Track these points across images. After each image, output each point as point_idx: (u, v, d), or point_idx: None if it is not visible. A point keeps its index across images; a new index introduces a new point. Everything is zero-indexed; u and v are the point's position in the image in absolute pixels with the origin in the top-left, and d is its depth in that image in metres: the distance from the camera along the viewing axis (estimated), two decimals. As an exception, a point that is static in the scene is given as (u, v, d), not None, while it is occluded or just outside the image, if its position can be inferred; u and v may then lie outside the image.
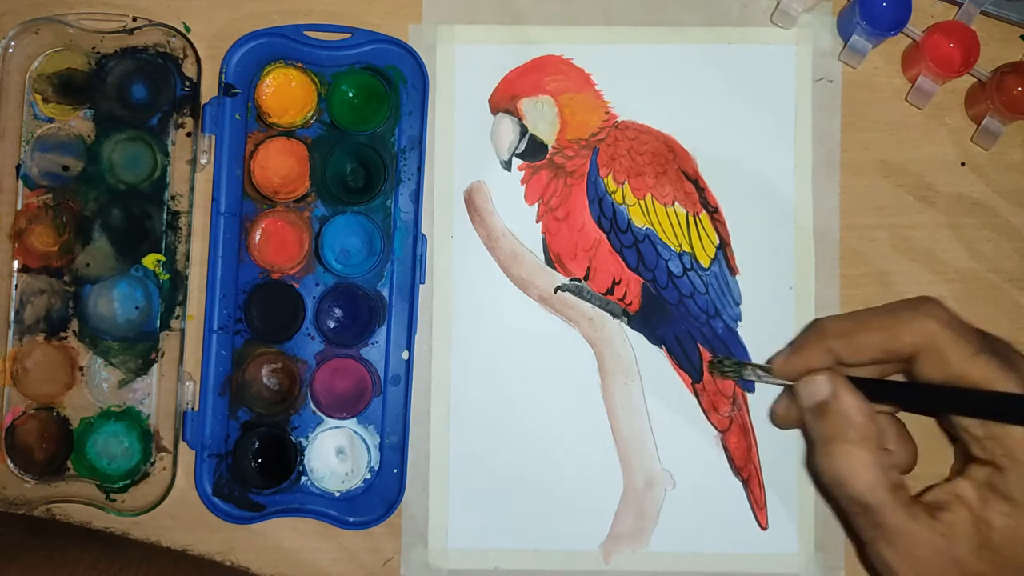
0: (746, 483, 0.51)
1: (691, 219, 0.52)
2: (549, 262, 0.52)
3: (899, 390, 0.44)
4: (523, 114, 0.52)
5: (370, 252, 0.51)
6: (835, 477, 0.42)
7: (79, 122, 0.52)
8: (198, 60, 0.51)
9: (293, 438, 0.51)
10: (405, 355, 0.51)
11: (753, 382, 0.51)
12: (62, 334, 0.51)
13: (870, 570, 0.49)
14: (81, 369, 0.51)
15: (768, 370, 0.47)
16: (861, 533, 0.43)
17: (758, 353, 0.51)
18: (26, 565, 0.43)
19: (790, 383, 0.46)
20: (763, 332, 0.51)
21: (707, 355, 0.51)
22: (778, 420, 0.49)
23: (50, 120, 0.52)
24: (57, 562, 0.43)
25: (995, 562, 0.40)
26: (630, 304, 0.52)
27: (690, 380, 0.51)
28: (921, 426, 0.48)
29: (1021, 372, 0.41)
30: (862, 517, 0.42)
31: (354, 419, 0.51)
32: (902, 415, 0.48)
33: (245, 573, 0.48)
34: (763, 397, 0.51)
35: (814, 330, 0.45)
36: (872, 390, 0.44)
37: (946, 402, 0.42)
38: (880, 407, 0.45)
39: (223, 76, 0.51)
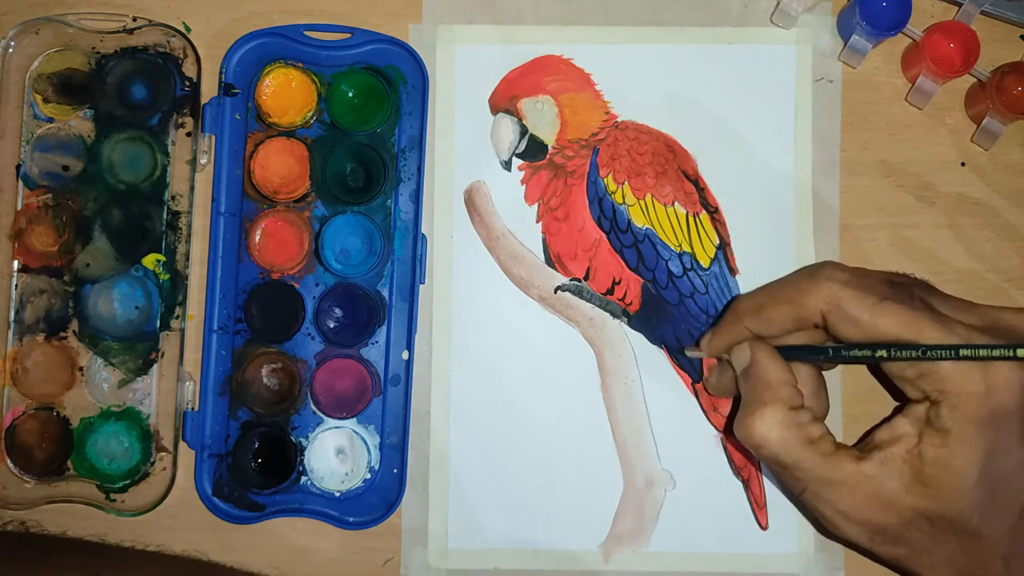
0: (746, 483, 0.51)
1: (691, 219, 0.52)
2: (549, 262, 0.52)
3: (821, 352, 0.45)
4: (523, 114, 0.52)
5: (370, 252, 0.51)
6: (750, 440, 0.43)
7: (79, 122, 0.52)
8: (198, 60, 0.51)
9: (293, 438, 0.51)
10: (405, 355, 0.51)
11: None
12: (62, 334, 0.51)
13: (812, 521, 0.50)
14: (81, 369, 0.51)
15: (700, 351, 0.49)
16: (789, 487, 0.44)
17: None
18: (11, 572, 0.43)
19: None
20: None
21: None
22: (711, 388, 0.50)
23: (50, 120, 0.52)
24: (40, 570, 0.43)
25: (928, 495, 0.40)
26: (630, 304, 0.52)
27: (690, 380, 0.51)
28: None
29: (929, 305, 0.42)
30: (783, 474, 0.43)
31: (354, 419, 0.51)
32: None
33: (231, 570, 0.49)
34: (763, 397, 0.51)
35: (730, 309, 0.47)
36: (796, 354, 0.45)
37: (865, 356, 0.42)
38: (807, 366, 0.46)
39: (223, 76, 0.51)
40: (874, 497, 0.41)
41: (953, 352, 0.40)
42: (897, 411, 0.43)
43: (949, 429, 0.40)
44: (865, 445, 0.43)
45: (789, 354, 0.45)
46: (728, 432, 0.51)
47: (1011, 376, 0.40)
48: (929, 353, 0.40)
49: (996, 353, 0.39)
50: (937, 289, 0.45)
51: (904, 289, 0.43)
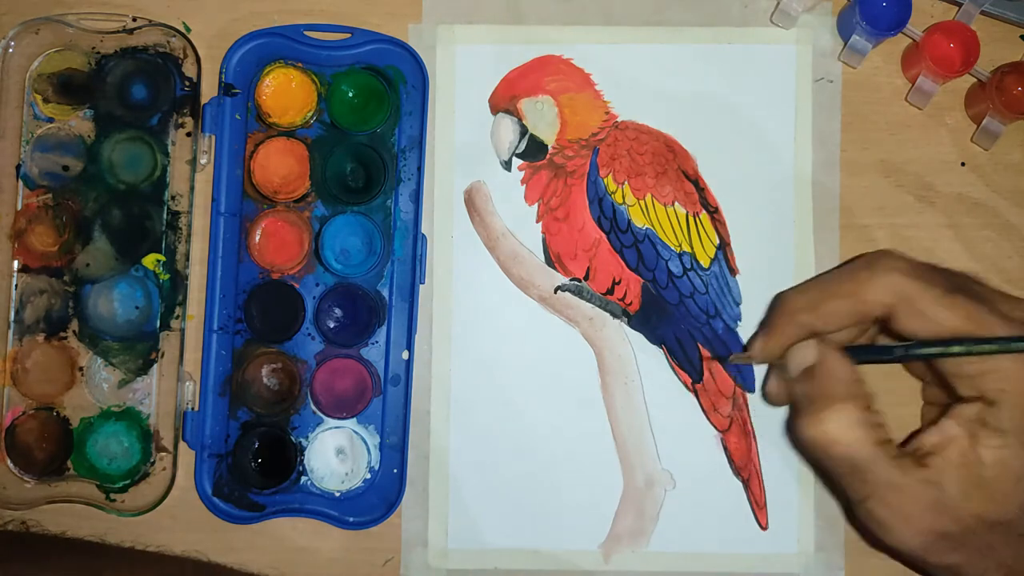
0: (746, 483, 0.51)
1: (691, 219, 0.52)
2: (549, 262, 0.52)
3: (888, 351, 0.43)
4: (523, 114, 0.52)
5: (370, 252, 0.51)
6: (822, 438, 0.41)
7: (79, 122, 0.52)
8: (198, 60, 0.51)
9: (293, 438, 0.51)
10: (405, 355, 0.51)
11: (749, 374, 0.51)
12: (62, 334, 0.51)
13: (861, 530, 0.49)
14: (81, 369, 0.51)
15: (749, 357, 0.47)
16: (851, 493, 0.42)
17: (758, 353, 0.51)
18: (11, 572, 0.43)
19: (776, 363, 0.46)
20: (763, 332, 0.51)
21: (707, 355, 0.51)
22: (771, 399, 0.49)
23: (50, 120, 0.52)
24: (40, 569, 0.43)
25: (987, 499, 0.40)
26: (630, 304, 0.52)
27: (690, 380, 0.51)
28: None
29: (988, 301, 0.41)
30: (850, 476, 0.41)
31: (354, 419, 0.51)
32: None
33: (231, 570, 0.49)
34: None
35: (779, 308, 0.45)
36: (856, 354, 0.43)
37: (937, 353, 0.41)
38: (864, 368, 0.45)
39: (223, 76, 0.51)
40: (936, 503, 0.40)
41: None
42: (940, 413, 0.42)
43: (1007, 430, 0.39)
44: (917, 449, 0.42)
45: (855, 353, 0.43)
46: (791, 435, 0.50)
47: None
48: (1013, 345, 0.39)
49: None
50: (980, 281, 0.43)
51: (960, 281, 0.42)
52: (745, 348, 0.49)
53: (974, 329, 0.40)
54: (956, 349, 0.40)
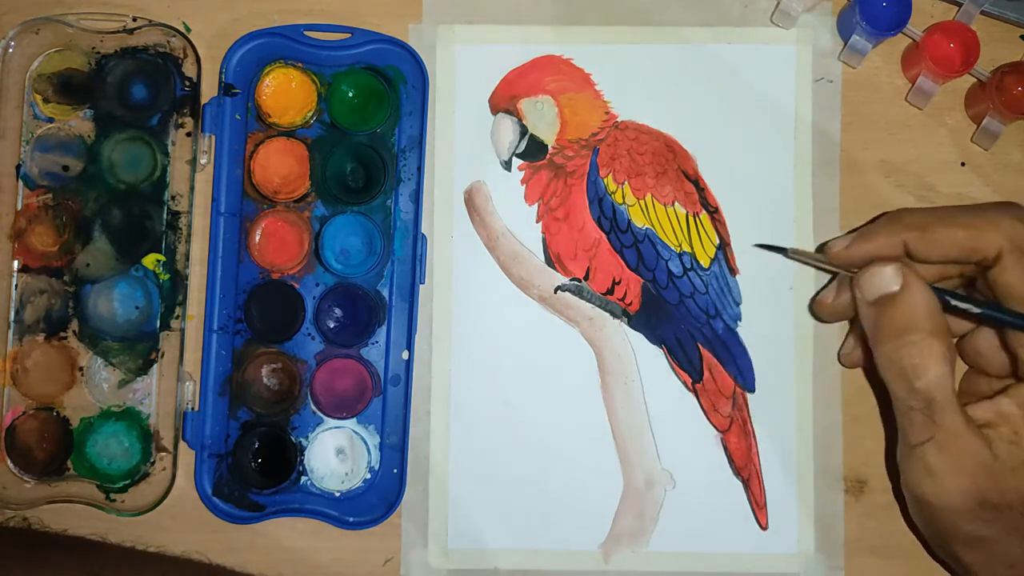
0: (746, 483, 0.51)
1: (691, 219, 0.52)
2: (549, 262, 0.52)
3: (973, 303, 0.42)
4: (523, 114, 0.52)
5: (370, 252, 0.51)
6: (904, 368, 0.40)
7: (79, 122, 0.52)
8: (198, 60, 0.51)
9: (293, 438, 0.51)
10: (405, 355, 0.51)
11: (749, 374, 0.51)
12: (62, 334, 0.51)
13: (894, 475, 0.48)
14: (81, 369, 0.51)
15: (820, 255, 0.45)
16: (914, 431, 0.41)
17: (758, 353, 0.51)
18: (9, 571, 0.43)
19: (845, 271, 0.44)
20: (763, 332, 0.51)
21: (707, 354, 0.51)
22: (824, 310, 0.47)
23: (50, 120, 0.52)
24: (39, 567, 0.43)
25: None
26: (630, 304, 0.52)
27: (690, 380, 0.51)
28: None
29: None
30: (922, 413, 0.40)
31: (354, 419, 0.51)
32: None
33: (231, 571, 0.49)
34: (763, 397, 0.51)
35: (888, 219, 0.43)
36: (946, 296, 0.42)
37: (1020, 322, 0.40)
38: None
39: (223, 76, 0.51)
40: (988, 467, 0.40)
41: None
42: (977, 389, 0.42)
43: None
44: (972, 418, 0.41)
45: (937, 294, 0.42)
46: (847, 360, 0.49)
47: None
48: None
49: None
50: None
51: None
52: (819, 248, 0.46)
53: None
54: None
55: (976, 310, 0.42)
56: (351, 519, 0.50)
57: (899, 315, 0.41)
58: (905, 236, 0.43)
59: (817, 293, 0.50)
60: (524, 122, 0.52)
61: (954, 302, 0.42)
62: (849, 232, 0.46)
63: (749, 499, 0.51)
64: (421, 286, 0.51)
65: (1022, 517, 0.40)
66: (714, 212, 0.52)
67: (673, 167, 0.52)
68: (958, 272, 0.44)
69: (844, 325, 0.51)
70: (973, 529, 0.41)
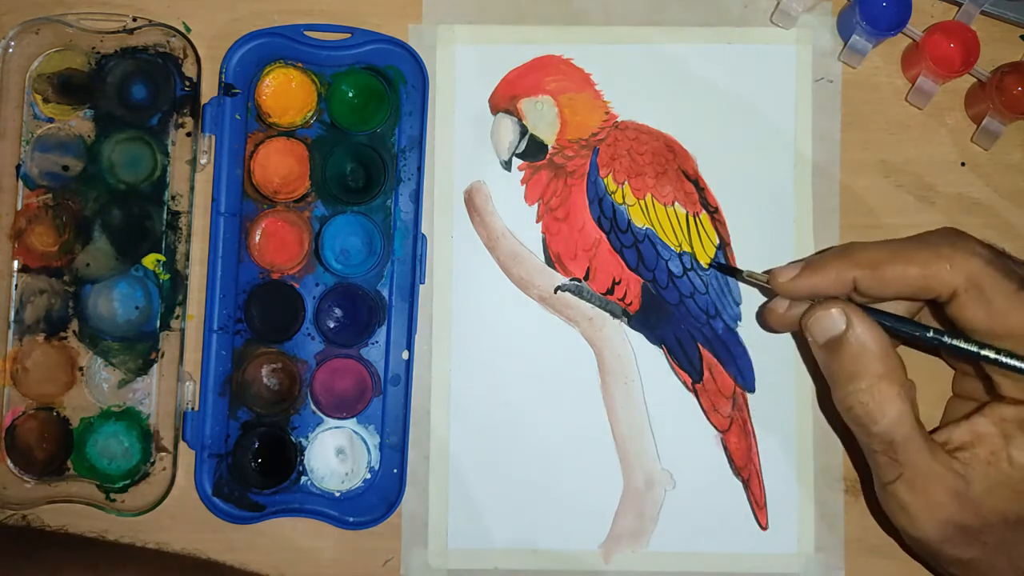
0: (746, 483, 0.51)
1: (691, 219, 0.52)
2: (549, 262, 0.52)
3: (923, 331, 0.41)
4: (523, 114, 0.52)
5: (370, 252, 0.51)
6: (860, 414, 0.40)
7: (79, 122, 0.52)
8: (198, 60, 0.51)
9: (293, 438, 0.51)
10: (405, 355, 0.51)
11: (749, 374, 0.51)
12: (62, 334, 0.51)
13: (876, 513, 0.49)
14: (81, 369, 0.51)
15: (763, 280, 0.45)
16: (881, 472, 0.41)
17: (758, 353, 0.51)
18: (10, 570, 0.43)
19: (790, 297, 0.44)
20: (763, 332, 0.51)
21: (707, 354, 0.51)
22: (774, 319, 0.46)
23: (50, 120, 0.52)
24: (38, 563, 0.43)
25: (1012, 498, 0.39)
26: (630, 304, 0.52)
27: (690, 380, 0.51)
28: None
29: None
30: (884, 455, 0.40)
31: (354, 419, 0.51)
32: None
33: (231, 568, 0.49)
34: (763, 397, 0.51)
35: (838, 254, 0.42)
36: (886, 322, 0.41)
37: (972, 353, 0.40)
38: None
39: (223, 76, 0.51)
40: (961, 495, 0.39)
41: None
42: (973, 409, 0.41)
43: None
44: (945, 443, 0.41)
45: (883, 320, 0.41)
46: (822, 404, 0.49)
47: None
48: None
49: None
50: None
51: None
52: (767, 272, 0.46)
53: None
54: (988, 355, 0.39)
55: (919, 337, 0.42)
56: (351, 519, 0.50)
57: (848, 360, 0.40)
58: (855, 274, 0.42)
59: (768, 301, 0.49)
60: (524, 122, 0.52)
61: (894, 329, 0.42)
62: (797, 261, 0.45)
63: (749, 499, 0.51)
64: (421, 286, 0.51)
65: (1006, 534, 0.40)
66: (714, 212, 0.52)
67: (673, 167, 0.52)
68: (915, 308, 0.43)
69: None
70: (957, 553, 0.41)
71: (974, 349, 0.40)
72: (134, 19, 0.51)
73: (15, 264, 0.51)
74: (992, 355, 0.40)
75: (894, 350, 0.41)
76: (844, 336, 0.41)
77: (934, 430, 0.43)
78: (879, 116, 0.52)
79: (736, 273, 0.49)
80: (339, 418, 0.51)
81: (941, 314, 0.43)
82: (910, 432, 0.40)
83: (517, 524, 0.51)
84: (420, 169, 0.51)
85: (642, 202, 0.52)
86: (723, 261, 0.51)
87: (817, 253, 0.46)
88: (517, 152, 0.52)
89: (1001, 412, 0.40)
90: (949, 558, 0.41)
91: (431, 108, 0.52)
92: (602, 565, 0.51)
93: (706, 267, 0.50)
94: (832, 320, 0.41)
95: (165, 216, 0.51)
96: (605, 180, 0.52)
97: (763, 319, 0.48)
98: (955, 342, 0.40)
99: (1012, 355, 0.39)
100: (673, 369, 0.51)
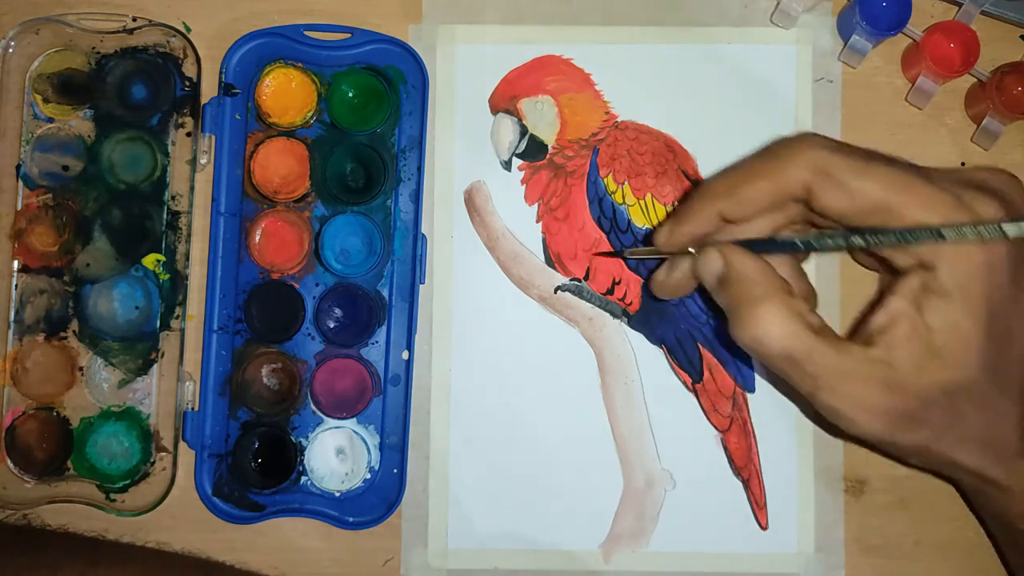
0: (746, 483, 0.51)
1: (691, 219, 0.52)
2: (549, 262, 0.52)
3: (792, 243, 0.41)
4: (523, 114, 0.52)
5: (370, 252, 0.51)
6: (753, 341, 0.39)
7: (79, 122, 0.52)
8: (198, 60, 0.51)
9: (293, 438, 0.51)
10: (405, 355, 0.51)
11: (749, 374, 0.51)
12: (62, 334, 0.51)
13: (821, 423, 0.48)
14: (81, 369, 0.51)
15: (652, 247, 0.45)
16: (801, 390, 0.40)
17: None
18: (11, 569, 0.43)
19: (679, 254, 0.44)
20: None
21: (707, 354, 0.51)
22: (661, 289, 0.46)
23: (50, 120, 0.52)
24: (38, 562, 0.43)
25: (943, 366, 0.38)
26: (630, 304, 0.52)
27: (690, 380, 0.51)
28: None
29: (914, 168, 0.39)
30: (794, 372, 0.39)
31: (354, 419, 0.51)
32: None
33: (230, 568, 0.49)
34: (763, 397, 0.51)
35: (698, 192, 0.42)
36: (766, 247, 0.42)
37: (840, 245, 0.39)
38: (779, 257, 0.43)
39: (223, 76, 0.51)
40: (890, 382, 0.38)
41: (935, 233, 0.37)
42: (884, 294, 0.40)
43: (951, 291, 0.37)
44: (866, 332, 0.40)
45: (758, 248, 0.41)
46: (726, 343, 0.49)
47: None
48: (910, 236, 0.37)
49: (984, 230, 0.37)
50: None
51: (884, 155, 0.40)
52: (647, 240, 0.45)
53: (899, 195, 0.38)
54: (856, 240, 0.38)
55: (793, 248, 0.42)
56: (351, 519, 0.50)
57: (733, 292, 0.40)
58: (717, 206, 0.41)
59: (651, 273, 0.47)
60: (524, 122, 0.52)
61: (768, 250, 0.41)
62: (668, 216, 0.44)
63: (749, 499, 0.51)
64: (421, 286, 0.51)
65: (949, 406, 0.39)
66: (714, 212, 0.52)
67: (673, 167, 0.52)
68: (794, 218, 0.43)
69: (840, 317, 0.51)
70: (910, 440, 0.39)
71: (842, 242, 0.39)
72: (134, 19, 0.51)
73: (15, 264, 0.51)
74: (859, 241, 0.39)
75: (771, 271, 0.40)
76: (725, 273, 0.41)
77: (855, 326, 0.42)
78: (879, 116, 0.52)
79: (620, 255, 0.49)
80: (339, 418, 0.51)
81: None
82: (807, 342, 0.39)
83: (517, 524, 0.51)
84: (420, 169, 0.51)
85: (642, 202, 0.52)
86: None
87: (679, 200, 0.46)
88: (517, 152, 0.52)
89: (906, 284, 0.39)
90: (905, 448, 0.40)
91: (431, 108, 0.52)
92: (602, 565, 0.51)
93: (593, 255, 0.51)
94: (710, 260, 0.41)
95: (165, 216, 0.51)
96: (605, 180, 0.52)
97: (650, 291, 0.47)
98: (823, 242, 0.40)
99: (876, 232, 0.38)
100: (673, 369, 0.51)
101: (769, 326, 0.39)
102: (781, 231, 0.43)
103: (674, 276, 0.44)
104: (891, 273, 0.41)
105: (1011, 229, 0.37)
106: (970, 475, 0.41)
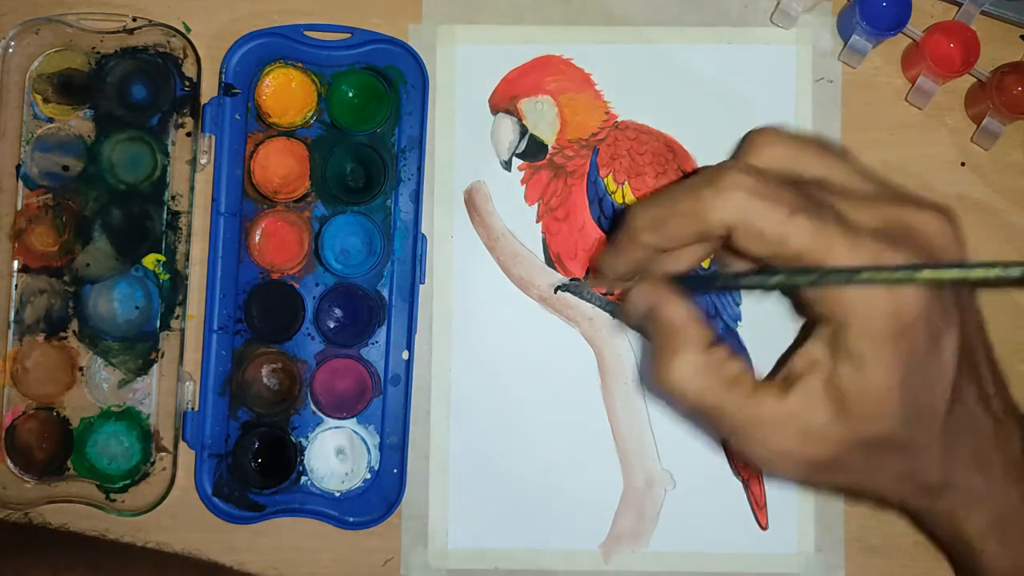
0: (746, 483, 0.51)
1: (691, 219, 0.52)
2: (549, 262, 0.52)
3: (715, 281, 0.40)
4: (523, 114, 0.52)
5: (370, 252, 0.51)
6: (668, 389, 0.39)
7: (79, 122, 0.52)
8: (198, 60, 0.51)
9: (293, 438, 0.51)
10: (405, 355, 0.51)
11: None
12: (62, 334, 0.51)
13: (742, 466, 0.49)
14: (81, 369, 0.51)
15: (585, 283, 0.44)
16: (719, 432, 0.40)
17: (758, 353, 0.51)
18: (11, 568, 0.43)
19: (617, 287, 0.43)
20: (763, 332, 0.51)
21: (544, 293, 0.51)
22: (625, 319, 0.45)
23: (50, 120, 0.52)
24: (38, 561, 0.43)
25: (855, 422, 0.37)
26: (630, 304, 0.52)
27: (690, 380, 0.51)
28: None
29: (838, 213, 0.37)
30: (708, 421, 0.39)
31: (354, 419, 0.51)
32: None
33: (231, 569, 0.49)
34: (763, 397, 0.51)
35: (626, 227, 0.41)
36: (691, 284, 0.41)
37: (759, 284, 0.38)
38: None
39: (223, 76, 0.51)
40: (805, 432, 0.37)
41: (851, 276, 0.36)
42: (808, 331, 0.39)
43: (862, 353, 0.36)
44: (784, 377, 0.39)
45: (685, 284, 0.40)
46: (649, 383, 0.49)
47: (916, 288, 0.36)
48: (826, 278, 0.36)
49: (897, 276, 0.35)
50: (844, 165, 0.40)
51: (810, 192, 0.38)
52: (591, 270, 0.46)
53: (820, 250, 0.36)
54: (775, 281, 0.37)
55: (713, 287, 0.40)
56: (351, 519, 0.50)
57: (656, 331, 0.39)
58: (643, 239, 0.40)
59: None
60: (524, 122, 0.52)
61: (692, 288, 0.40)
62: (606, 245, 0.43)
63: (749, 499, 0.51)
64: (421, 286, 0.51)
65: (868, 457, 0.38)
66: (714, 212, 0.52)
67: (673, 167, 0.52)
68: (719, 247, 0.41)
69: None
70: (829, 482, 0.39)
71: (759, 281, 0.38)
72: (134, 19, 0.51)
73: (15, 264, 0.51)
74: (776, 281, 0.37)
75: (696, 316, 0.39)
76: (649, 315, 0.40)
77: (778, 364, 0.40)
78: (879, 116, 0.52)
79: (569, 289, 0.50)
80: (339, 418, 0.51)
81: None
82: (720, 397, 0.38)
83: (517, 524, 0.51)
84: (420, 169, 0.51)
85: (642, 202, 0.52)
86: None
87: (616, 231, 0.43)
88: (517, 152, 0.52)
89: (823, 333, 0.38)
90: (826, 489, 0.40)
91: (431, 108, 0.52)
92: (602, 565, 0.51)
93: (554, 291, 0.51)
94: (638, 297, 0.40)
95: (165, 216, 0.51)
96: (605, 180, 0.52)
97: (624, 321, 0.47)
98: (746, 281, 0.39)
99: (793, 272, 0.37)
100: (673, 369, 0.51)
101: (682, 379, 0.38)
102: (716, 254, 0.42)
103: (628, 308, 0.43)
104: (808, 309, 0.40)
105: (924, 275, 0.36)
106: (896, 507, 0.41)
